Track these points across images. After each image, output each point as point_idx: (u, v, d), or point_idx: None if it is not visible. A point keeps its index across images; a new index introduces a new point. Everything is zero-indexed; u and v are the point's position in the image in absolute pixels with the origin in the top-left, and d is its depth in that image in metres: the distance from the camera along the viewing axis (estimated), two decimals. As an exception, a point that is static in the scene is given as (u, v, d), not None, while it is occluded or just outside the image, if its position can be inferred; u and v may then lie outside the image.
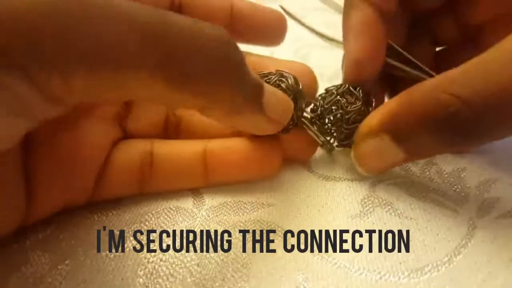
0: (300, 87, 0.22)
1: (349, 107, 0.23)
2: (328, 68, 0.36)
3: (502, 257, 0.19)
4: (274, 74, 0.22)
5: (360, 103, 0.23)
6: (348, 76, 0.23)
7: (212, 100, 0.16)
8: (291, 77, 0.22)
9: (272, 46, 0.27)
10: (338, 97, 0.23)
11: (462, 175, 0.24)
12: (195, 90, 0.15)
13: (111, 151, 0.21)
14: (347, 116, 0.23)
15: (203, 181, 0.22)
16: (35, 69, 0.12)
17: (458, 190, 0.23)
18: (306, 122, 0.23)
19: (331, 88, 0.24)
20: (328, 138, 0.24)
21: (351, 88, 0.23)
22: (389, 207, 0.21)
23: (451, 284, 0.18)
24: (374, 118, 0.20)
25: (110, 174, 0.21)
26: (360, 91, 0.23)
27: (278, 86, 0.21)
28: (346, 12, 0.21)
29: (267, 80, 0.21)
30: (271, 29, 0.26)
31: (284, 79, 0.22)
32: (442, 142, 0.18)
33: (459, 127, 0.16)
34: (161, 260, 0.19)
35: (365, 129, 0.20)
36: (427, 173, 0.24)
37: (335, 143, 0.24)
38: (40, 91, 0.13)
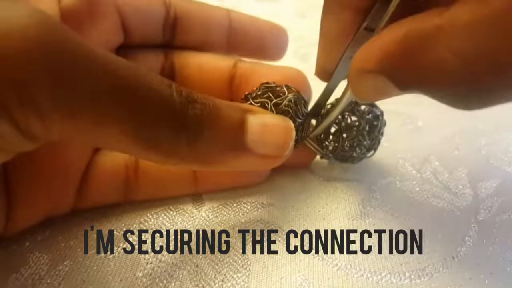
0: (308, 107, 0.22)
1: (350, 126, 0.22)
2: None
3: (503, 257, 0.19)
4: (280, 87, 0.21)
5: (361, 124, 0.22)
6: (319, 74, 0.22)
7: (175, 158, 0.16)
8: (302, 99, 0.21)
9: (272, 61, 0.26)
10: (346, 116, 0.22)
11: (462, 175, 0.24)
12: (160, 151, 0.15)
13: (94, 157, 0.21)
14: (345, 136, 0.22)
15: (192, 187, 0.22)
16: (17, 111, 0.13)
17: (458, 190, 0.23)
18: (309, 140, 0.23)
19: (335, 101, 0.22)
20: (326, 154, 0.23)
21: (357, 107, 0.22)
22: (389, 207, 0.21)
23: (452, 285, 0.17)
24: (369, 55, 0.16)
25: (94, 181, 0.20)
26: (365, 110, 0.22)
27: (287, 111, 0.20)
28: (323, 14, 0.20)
29: (279, 101, 0.20)
30: (270, 43, 0.25)
31: (295, 102, 0.20)
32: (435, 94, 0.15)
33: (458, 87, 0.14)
34: (160, 260, 0.19)
35: (359, 64, 0.17)
36: (427, 173, 0.24)
37: (331, 155, 0.24)
38: (21, 131, 0.13)
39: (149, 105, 0.14)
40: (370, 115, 0.23)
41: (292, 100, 0.20)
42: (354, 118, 0.23)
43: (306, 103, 0.21)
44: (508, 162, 0.25)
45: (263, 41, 0.25)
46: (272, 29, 0.25)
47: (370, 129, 0.23)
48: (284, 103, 0.20)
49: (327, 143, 0.23)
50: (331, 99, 0.22)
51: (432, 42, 0.14)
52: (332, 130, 0.23)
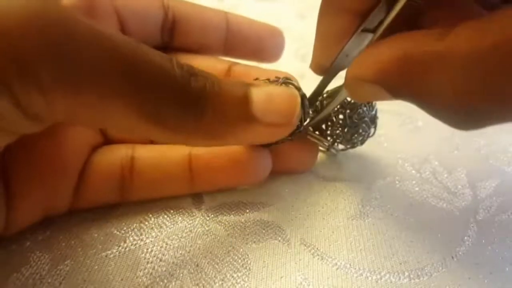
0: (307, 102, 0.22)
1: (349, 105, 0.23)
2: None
3: (502, 257, 0.19)
4: (273, 78, 0.21)
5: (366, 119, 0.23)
6: (314, 69, 0.22)
7: (182, 133, 0.16)
8: (303, 96, 0.21)
9: (268, 62, 0.26)
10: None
11: (461, 175, 0.24)
12: (167, 127, 0.15)
13: (91, 156, 0.21)
14: (351, 115, 0.23)
15: (188, 187, 0.22)
16: (18, 87, 0.13)
17: (457, 190, 0.23)
18: (313, 133, 0.23)
19: (331, 90, 0.23)
20: (332, 142, 0.24)
21: None
22: (389, 207, 0.21)
23: (452, 285, 0.18)
24: (366, 67, 0.17)
25: (90, 181, 0.20)
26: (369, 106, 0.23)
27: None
28: (320, 15, 0.20)
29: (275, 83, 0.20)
30: (267, 45, 0.25)
31: (290, 79, 0.21)
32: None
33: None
34: (160, 260, 0.19)
35: (356, 73, 0.17)
36: (426, 173, 0.24)
37: (340, 146, 0.24)
38: (22, 109, 0.13)
39: (151, 79, 0.15)
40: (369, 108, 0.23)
41: (287, 80, 0.20)
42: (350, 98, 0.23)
43: (305, 97, 0.22)
44: (507, 162, 0.25)
45: (260, 44, 0.25)
46: (269, 32, 0.25)
47: (368, 104, 0.23)
48: (280, 81, 0.20)
49: (330, 131, 0.23)
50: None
51: (429, 68, 0.14)
52: (334, 119, 0.23)
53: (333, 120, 0.23)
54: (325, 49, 0.20)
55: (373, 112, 0.24)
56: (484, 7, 0.18)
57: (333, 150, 0.24)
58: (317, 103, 0.23)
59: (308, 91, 0.23)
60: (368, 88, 0.16)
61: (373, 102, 0.24)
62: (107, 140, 0.22)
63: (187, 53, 0.24)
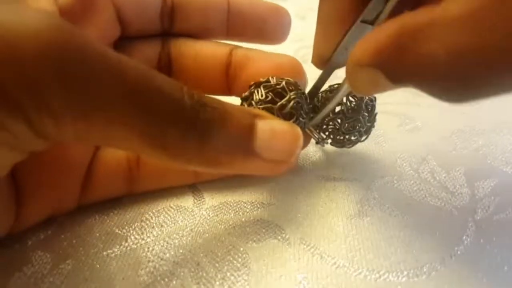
0: (307, 100, 0.22)
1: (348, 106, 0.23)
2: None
3: (501, 256, 0.19)
4: (279, 85, 0.21)
5: (361, 106, 0.23)
6: (315, 61, 0.22)
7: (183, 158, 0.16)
8: (302, 94, 0.21)
9: (274, 44, 0.25)
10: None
11: (459, 175, 0.24)
12: (168, 152, 0.15)
13: (97, 152, 0.21)
14: (348, 122, 0.23)
15: (193, 177, 0.22)
16: (32, 112, 0.13)
17: (455, 189, 0.23)
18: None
19: (332, 87, 0.23)
20: (323, 137, 0.24)
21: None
22: (387, 207, 0.22)
23: (450, 284, 0.18)
24: (364, 49, 0.17)
25: (97, 175, 0.21)
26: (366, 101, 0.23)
27: (292, 114, 0.20)
28: (320, 1, 0.20)
29: (284, 103, 0.20)
30: (271, 25, 0.24)
31: (299, 102, 0.21)
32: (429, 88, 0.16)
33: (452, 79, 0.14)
34: (161, 259, 0.19)
35: (355, 58, 0.17)
36: (425, 172, 0.24)
37: (329, 141, 0.24)
38: (34, 131, 0.14)
39: (159, 108, 0.15)
40: (367, 98, 0.23)
41: (297, 101, 0.20)
42: (352, 100, 0.23)
43: (307, 98, 0.22)
44: (505, 162, 0.25)
45: (263, 25, 0.24)
46: (273, 11, 0.24)
47: (368, 111, 0.23)
48: (289, 105, 0.20)
49: (325, 127, 0.23)
50: (325, 86, 0.23)
51: (423, 36, 0.14)
52: (331, 114, 0.23)
53: (330, 117, 0.23)
54: (326, 37, 0.20)
55: (369, 124, 0.24)
56: None
57: (321, 144, 0.24)
58: (316, 99, 0.23)
59: (307, 90, 0.24)
60: (367, 74, 0.16)
61: (375, 115, 0.24)
62: None
63: (188, 38, 0.24)
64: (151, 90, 0.15)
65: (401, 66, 0.15)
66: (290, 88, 0.21)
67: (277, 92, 0.20)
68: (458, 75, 0.14)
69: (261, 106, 0.20)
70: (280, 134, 0.18)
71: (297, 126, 0.19)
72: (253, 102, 0.20)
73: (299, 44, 0.40)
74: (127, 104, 0.14)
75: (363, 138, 0.24)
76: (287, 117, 0.20)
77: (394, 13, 0.17)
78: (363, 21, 0.19)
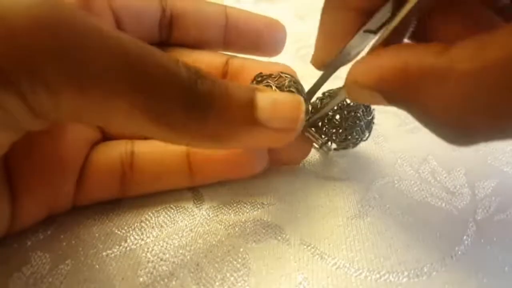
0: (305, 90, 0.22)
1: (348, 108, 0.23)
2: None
3: (501, 257, 0.19)
4: (275, 77, 0.21)
5: (359, 105, 0.23)
6: (315, 65, 0.22)
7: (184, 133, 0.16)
8: (299, 82, 0.21)
9: (269, 56, 0.26)
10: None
11: (460, 175, 0.24)
12: (172, 128, 0.16)
13: (90, 153, 0.21)
14: (347, 117, 0.23)
15: (188, 180, 0.22)
16: (26, 86, 0.13)
17: (456, 190, 0.23)
18: (309, 129, 0.23)
19: (332, 90, 0.23)
20: (326, 140, 0.24)
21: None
22: (388, 207, 0.22)
23: (451, 284, 0.18)
24: (367, 74, 0.17)
25: (91, 177, 0.20)
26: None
27: (290, 92, 0.21)
28: (323, 12, 0.20)
29: (278, 84, 0.21)
30: (267, 40, 0.25)
31: (295, 81, 0.21)
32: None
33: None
34: (161, 259, 0.19)
35: (357, 78, 0.17)
36: (425, 173, 0.24)
37: (333, 146, 0.24)
38: (29, 107, 0.13)
39: (157, 80, 0.15)
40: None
41: (293, 81, 0.21)
42: (349, 101, 0.23)
43: (303, 87, 0.22)
44: (506, 162, 0.25)
45: (259, 38, 0.25)
46: (269, 25, 0.25)
47: (365, 109, 0.23)
48: (286, 83, 0.21)
49: (325, 129, 0.24)
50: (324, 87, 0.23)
51: (427, 81, 0.14)
52: (331, 118, 0.23)
53: (330, 119, 0.23)
54: (327, 45, 0.21)
55: (370, 117, 0.24)
56: (495, 11, 0.18)
57: (325, 149, 0.24)
58: (317, 101, 0.23)
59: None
60: (367, 93, 0.17)
61: (371, 108, 0.24)
62: (106, 137, 0.22)
63: (184, 48, 0.24)
64: (148, 62, 0.15)
65: (401, 98, 0.16)
66: (286, 75, 0.21)
67: (274, 79, 0.21)
68: (458, 125, 0.14)
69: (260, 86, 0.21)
70: (282, 101, 0.18)
71: (296, 94, 0.19)
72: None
73: (298, 44, 0.40)
74: (124, 76, 0.14)
75: (366, 135, 0.24)
76: None
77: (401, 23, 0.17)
78: (366, 31, 0.19)
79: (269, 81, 0.21)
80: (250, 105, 0.17)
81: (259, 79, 0.21)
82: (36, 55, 0.13)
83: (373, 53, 0.17)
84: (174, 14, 0.23)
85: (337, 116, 0.23)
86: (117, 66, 0.14)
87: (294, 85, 0.21)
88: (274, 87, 0.20)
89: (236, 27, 0.24)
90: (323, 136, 0.24)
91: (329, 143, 0.24)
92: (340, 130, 0.23)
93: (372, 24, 0.19)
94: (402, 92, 0.15)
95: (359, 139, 0.24)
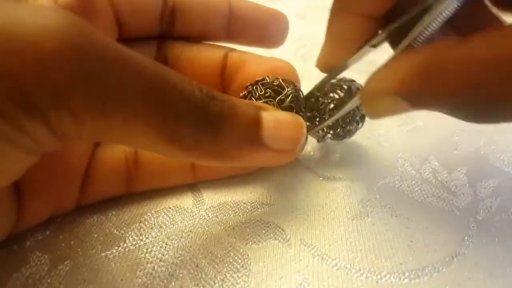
0: (301, 95, 0.22)
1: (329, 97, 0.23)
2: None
3: (503, 257, 0.19)
4: (276, 81, 0.21)
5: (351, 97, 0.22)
6: (319, 67, 0.22)
7: (195, 151, 0.16)
8: (299, 91, 0.21)
9: (272, 48, 0.26)
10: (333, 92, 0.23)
11: (461, 175, 0.24)
12: (183, 147, 0.16)
13: (95, 152, 0.21)
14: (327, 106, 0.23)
15: (191, 176, 0.22)
16: (52, 113, 0.13)
17: (457, 190, 0.23)
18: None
19: (335, 81, 0.23)
20: (326, 133, 0.24)
21: (345, 83, 0.23)
22: (389, 207, 0.21)
23: (452, 285, 0.18)
24: (387, 80, 0.17)
25: (96, 175, 0.21)
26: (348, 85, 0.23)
27: (291, 107, 0.21)
28: (330, 17, 0.20)
29: (282, 98, 0.21)
30: (271, 30, 0.25)
31: (296, 96, 0.21)
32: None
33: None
34: (160, 260, 0.19)
35: (376, 86, 0.18)
36: (426, 173, 0.24)
37: (329, 136, 0.24)
38: (53, 132, 0.13)
39: (173, 102, 0.15)
40: (353, 87, 0.23)
41: (294, 96, 0.21)
42: (342, 94, 0.23)
43: (302, 94, 0.22)
44: (507, 162, 0.25)
45: (263, 30, 0.25)
46: (273, 17, 0.25)
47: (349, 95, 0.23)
48: (288, 99, 0.21)
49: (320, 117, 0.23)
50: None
51: (450, 73, 0.15)
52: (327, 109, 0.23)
53: (327, 113, 0.23)
54: (335, 50, 0.21)
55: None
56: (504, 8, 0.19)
57: (322, 141, 0.24)
58: (313, 99, 0.23)
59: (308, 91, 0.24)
60: (387, 101, 0.17)
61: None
62: None
63: (184, 42, 0.24)
64: (167, 86, 0.15)
65: (426, 97, 0.16)
66: (287, 84, 0.21)
67: (275, 89, 0.21)
68: (484, 106, 0.15)
69: (261, 101, 0.20)
70: (284, 123, 0.18)
71: (298, 116, 0.20)
72: (253, 99, 0.21)
73: (298, 44, 0.40)
74: (145, 101, 0.14)
75: (360, 126, 0.24)
76: (286, 110, 0.21)
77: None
78: (372, 46, 0.19)
79: (270, 95, 0.21)
80: (257, 124, 0.17)
81: (261, 92, 0.21)
82: (61, 82, 0.13)
83: (392, 60, 0.17)
84: (177, 5, 0.23)
85: (332, 106, 0.23)
86: (136, 90, 0.14)
87: (295, 101, 0.21)
88: (275, 102, 0.21)
89: (240, 19, 0.24)
90: (322, 132, 0.24)
91: (329, 136, 0.24)
92: (340, 123, 0.23)
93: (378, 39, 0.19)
94: (425, 88, 0.16)
95: (354, 131, 0.24)
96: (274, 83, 0.21)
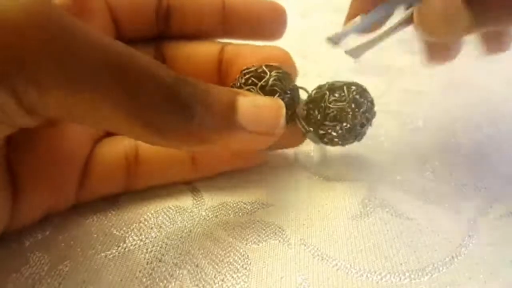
0: (295, 82, 0.22)
1: (332, 103, 0.22)
2: (327, 69, 0.36)
3: (503, 257, 0.19)
4: (260, 68, 0.21)
5: (345, 103, 0.21)
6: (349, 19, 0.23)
7: (166, 134, 0.16)
8: (285, 74, 0.21)
9: (270, 41, 0.25)
10: (327, 92, 0.22)
11: (462, 175, 0.24)
12: (159, 132, 0.16)
13: (94, 149, 0.21)
14: (327, 112, 0.22)
15: (191, 173, 0.22)
16: (18, 83, 0.13)
17: (458, 190, 0.23)
18: (298, 116, 0.23)
19: (337, 83, 0.22)
20: (310, 129, 0.23)
21: (346, 86, 0.22)
22: (389, 207, 0.21)
23: (452, 285, 0.17)
24: None
25: (95, 172, 0.21)
26: (352, 91, 0.22)
27: (274, 91, 0.21)
28: None
29: (263, 84, 0.20)
30: (267, 23, 0.24)
31: (279, 78, 0.21)
32: None
33: None
34: (160, 260, 0.19)
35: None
36: (427, 173, 0.24)
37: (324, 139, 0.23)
38: (20, 104, 0.14)
39: (138, 81, 0.15)
40: (355, 93, 0.22)
41: (276, 78, 0.21)
42: (336, 95, 0.22)
43: (290, 76, 0.22)
44: (508, 162, 0.25)
45: (259, 24, 0.24)
46: (269, 8, 0.24)
47: (355, 105, 0.22)
48: (269, 83, 0.21)
49: (312, 118, 0.22)
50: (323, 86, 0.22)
51: None
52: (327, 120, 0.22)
53: (328, 126, 0.22)
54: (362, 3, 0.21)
55: (363, 129, 0.23)
56: None
57: (310, 135, 0.23)
58: (312, 92, 0.23)
59: (310, 89, 0.23)
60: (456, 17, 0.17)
61: (371, 122, 0.23)
62: (109, 133, 0.23)
63: (181, 40, 0.24)
64: (135, 67, 0.15)
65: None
66: (270, 69, 0.21)
67: (258, 76, 0.21)
68: None
69: (244, 89, 0.21)
70: (262, 106, 0.18)
71: (278, 99, 0.19)
72: (236, 88, 0.21)
73: (300, 43, 0.40)
74: (112, 79, 0.14)
75: (350, 141, 0.23)
76: (269, 95, 0.20)
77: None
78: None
79: (253, 79, 0.21)
80: (231, 108, 0.17)
81: (243, 81, 0.21)
82: (28, 53, 0.13)
83: None
84: (171, 4, 0.23)
85: (337, 127, 0.22)
86: (101, 67, 0.14)
87: (278, 84, 0.21)
88: (257, 89, 0.20)
89: (235, 14, 0.24)
90: (308, 126, 0.23)
91: (311, 131, 0.23)
92: (325, 120, 0.22)
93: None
94: None
95: (338, 140, 0.23)
96: (258, 70, 0.21)
